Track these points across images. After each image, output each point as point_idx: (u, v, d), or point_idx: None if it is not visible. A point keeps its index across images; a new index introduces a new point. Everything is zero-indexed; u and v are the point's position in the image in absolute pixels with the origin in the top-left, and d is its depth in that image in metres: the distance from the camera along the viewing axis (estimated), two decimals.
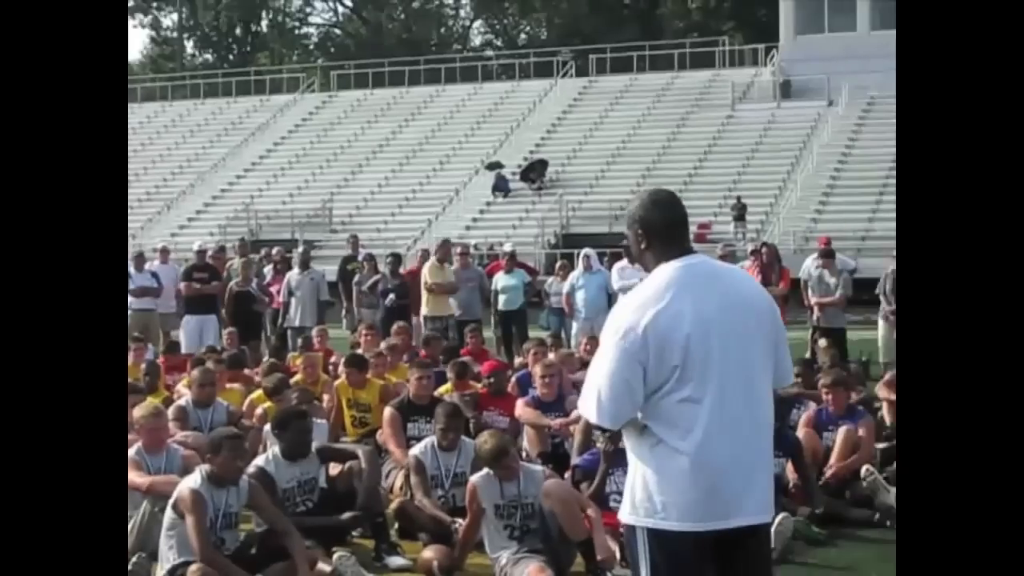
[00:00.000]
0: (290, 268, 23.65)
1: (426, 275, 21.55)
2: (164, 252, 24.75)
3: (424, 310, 21.65)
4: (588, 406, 5.32)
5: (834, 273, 21.00)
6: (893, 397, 14.56)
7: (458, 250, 23.91)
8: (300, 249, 25.28)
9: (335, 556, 9.50)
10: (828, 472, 12.07)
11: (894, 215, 42.46)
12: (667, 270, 5.35)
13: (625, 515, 5.37)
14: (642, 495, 5.28)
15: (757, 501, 5.29)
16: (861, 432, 12.40)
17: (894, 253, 22.05)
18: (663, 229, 5.43)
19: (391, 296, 21.97)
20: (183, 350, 19.91)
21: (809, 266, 21.49)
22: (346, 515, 10.26)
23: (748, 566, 5.38)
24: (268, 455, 10.27)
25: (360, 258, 24.55)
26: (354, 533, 10.60)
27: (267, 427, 11.43)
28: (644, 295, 5.29)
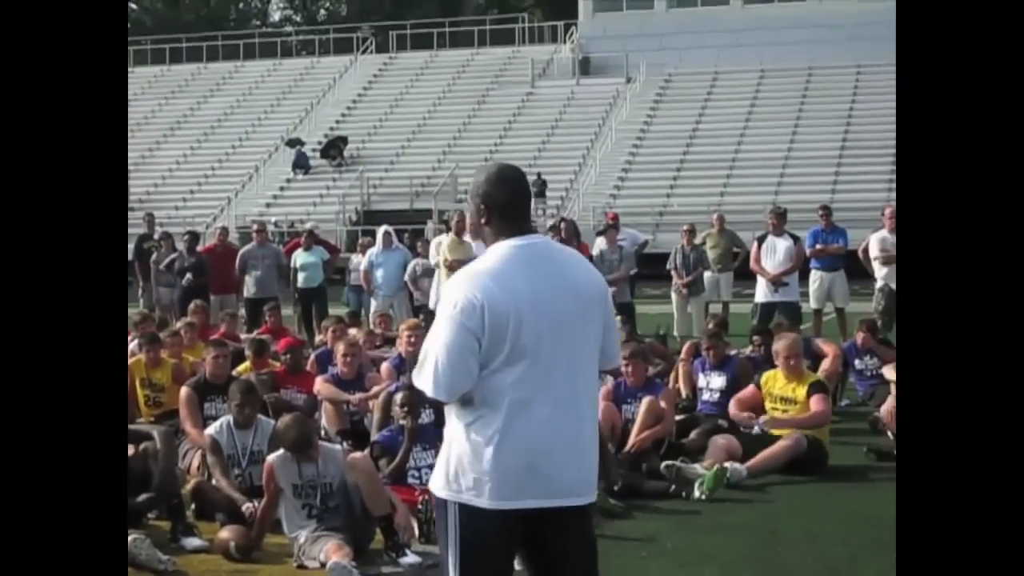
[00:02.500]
0: None
1: (445, 251, 20.15)
2: None
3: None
4: (425, 379, 5.27)
5: (615, 249, 21.17)
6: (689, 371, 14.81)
7: (254, 227, 23.67)
8: None
9: (130, 539, 9.33)
10: (631, 443, 12.21)
11: (691, 191, 43.27)
12: (505, 247, 5.32)
13: (438, 489, 5.35)
14: (456, 470, 5.27)
15: (577, 482, 5.31)
16: (663, 403, 12.58)
17: (685, 228, 22.38)
18: (505, 206, 5.38)
19: (188, 275, 21.71)
20: None
21: (599, 243, 21.69)
22: (141, 497, 10.12)
23: (564, 547, 5.39)
24: None
25: (156, 236, 24.22)
26: (149, 515, 10.46)
27: None
28: (481, 269, 5.29)
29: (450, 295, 5.24)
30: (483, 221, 5.41)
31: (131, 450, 10.64)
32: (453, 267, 19.71)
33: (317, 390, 13.30)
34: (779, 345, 12.91)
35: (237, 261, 21.96)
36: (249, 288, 21.65)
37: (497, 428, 5.19)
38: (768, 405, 12.71)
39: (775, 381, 12.74)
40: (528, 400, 5.18)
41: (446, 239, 20.35)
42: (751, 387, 12.96)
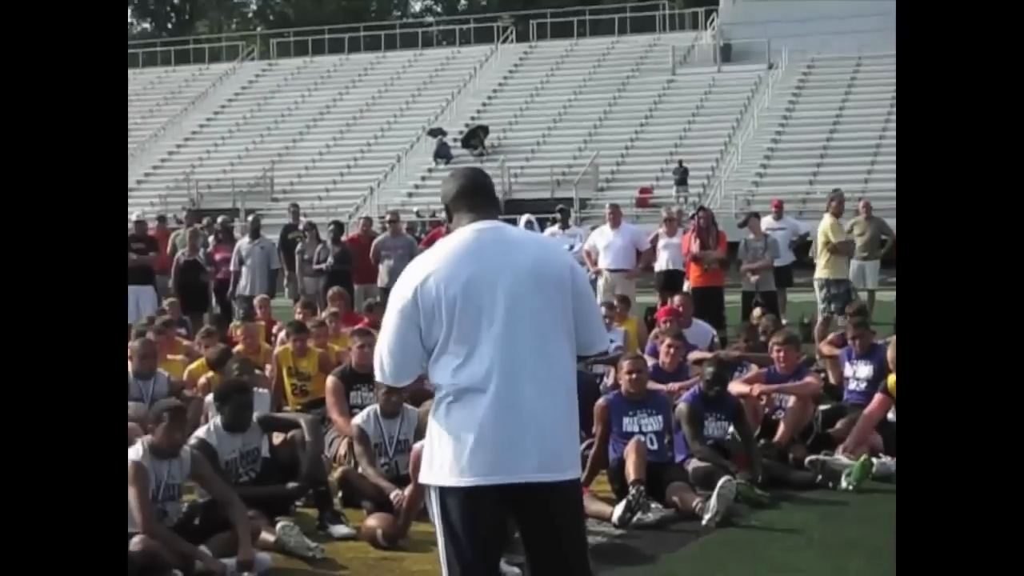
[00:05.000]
0: (231, 238, 23.52)
1: (828, 233, 20.10)
2: None
3: (823, 272, 20.23)
4: (375, 365, 5.59)
5: (759, 237, 21.00)
6: (836, 352, 14.63)
7: (388, 217, 23.85)
8: (250, 218, 25.04)
9: (278, 526, 9.47)
10: (779, 434, 12.15)
11: (834, 178, 42.79)
12: (457, 234, 5.56)
13: (422, 476, 5.56)
14: (430, 454, 5.48)
15: (540, 459, 5.35)
16: (808, 378, 12.63)
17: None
18: (456, 198, 5.65)
19: (329, 260, 21.98)
20: None
21: (746, 231, 21.54)
22: (289, 485, 10.24)
23: (541, 524, 5.47)
24: (210, 426, 10.23)
25: (301, 227, 24.47)
26: (297, 503, 10.58)
27: (209, 397, 11.39)
28: (424, 259, 5.55)
29: (396, 285, 5.54)
30: (449, 219, 5.71)
31: (279, 438, 10.79)
32: (837, 249, 19.78)
33: None
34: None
35: (371, 251, 22.16)
36: (383, 278, 21.81)
37: (451, 407, 5.38)
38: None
39: None
40: (474, 378, 5.32)
41: (826, 220, 20.30)
42: (879, 398, 12.57)
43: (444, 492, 5.41)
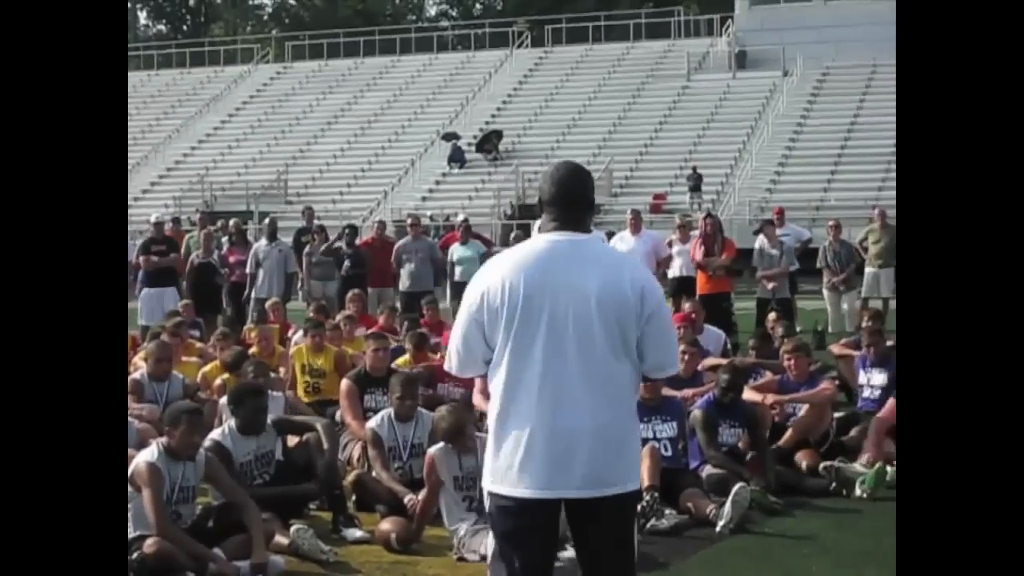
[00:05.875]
0: (245, 240, 23.52)
1: None
2: None
3: None
4: (447, 355, 5.81)
5: (775, 244, 20.97)
6: (852, 353, 14.62)
7: (409, 221, 23.88)
8: (267, 221, 25.00)
9: (292, 529, 9.49)
10: (786, 438, 12.12)
11: (849, 186, 42.75)
12: (533, 242, 5.64)
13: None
14: (486, 459, 5.58)
15: (584, 476, 5.40)
16: (823, 384, 12.63)
17: (831, 223, 22.14)
18: (548, 202, 5.65)
19: (346, 264, 22.00)
20: (141, 323, 19.99)
21: (760, 239, 21.54)
22: (304, 487, 10.27)
23: (589, 537, 5.54)
24: (224, 429, 10.25)
25: (312, 230, 24.52)
26: (312, 506, 10.60)
27: (223, 400, 11.40)
28: (498, 262, 5.62)
29: (470, 283, 5.64)
30: (539, 211, 5.74)
31: (294, 441, 10.80)
32: None
33: (480, 388, 13.32)
34: None
35: (392, 254, 22.22)
36: (403, 282, 21.92)
37: (503, 417, 5.47)
38: None
39: None
40: (533, 396, 5.40)
41: None
42: (892, 404, 12.31)
43: (493, 498, 5.50)
